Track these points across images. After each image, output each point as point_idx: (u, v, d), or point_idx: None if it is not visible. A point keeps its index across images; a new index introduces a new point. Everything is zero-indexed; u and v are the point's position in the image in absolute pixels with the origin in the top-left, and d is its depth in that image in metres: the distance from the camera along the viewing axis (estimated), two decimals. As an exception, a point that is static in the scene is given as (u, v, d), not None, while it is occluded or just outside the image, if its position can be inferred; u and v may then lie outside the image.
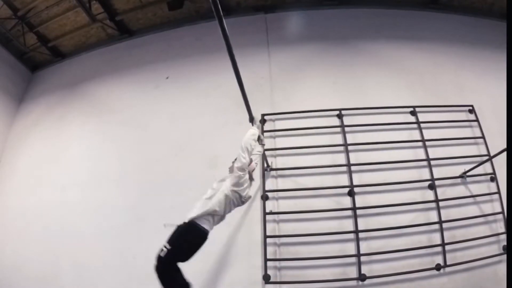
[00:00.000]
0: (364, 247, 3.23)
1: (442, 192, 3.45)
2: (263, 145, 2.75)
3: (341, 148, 3.69)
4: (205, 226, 2.20)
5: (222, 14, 1.35)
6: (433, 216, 3.36)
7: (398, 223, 3.28)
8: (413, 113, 3.85)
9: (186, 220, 2.19)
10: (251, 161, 2.36)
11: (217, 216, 2.27)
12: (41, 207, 4.09)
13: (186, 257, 2.19)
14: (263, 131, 3.73)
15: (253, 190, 3.58)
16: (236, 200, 2.33)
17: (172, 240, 2.16)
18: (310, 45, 4.44)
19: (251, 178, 2.43)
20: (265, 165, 3.59)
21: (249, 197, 2.45)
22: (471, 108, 3.90)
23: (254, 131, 2.41)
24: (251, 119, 2.55)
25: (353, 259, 3.20)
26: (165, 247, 2.12)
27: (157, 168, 3.92)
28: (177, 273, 2.15)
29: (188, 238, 2.19)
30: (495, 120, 3.79)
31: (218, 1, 1.27)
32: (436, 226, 3.30)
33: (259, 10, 4.84)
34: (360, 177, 3.54)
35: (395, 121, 3.81)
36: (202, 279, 3.30)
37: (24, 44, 5.01)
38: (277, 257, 3.28)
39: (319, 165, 3.60)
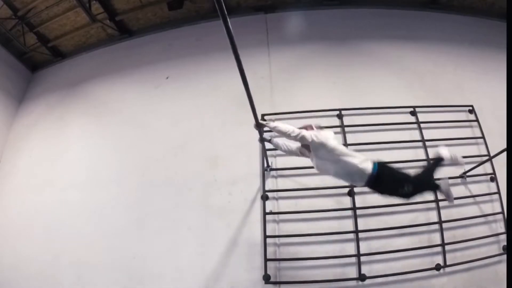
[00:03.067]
0: (364, 247, 3.23)
1: (442, 192, 3.45)
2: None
3: (341, 148, 3.69)
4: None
5: (226, 13, 1.33)
6: (433, 216, 3.36)
7: (398, 223, 3.28)
8: (413, 113, 3.85)
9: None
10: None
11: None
12: (41, 207, 4.08)
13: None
14: (263, 131, 3.72)
15: (253, 190, 3.62)
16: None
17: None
18: (310, 45, 4.44)
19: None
20: (265, 165, 3.59)
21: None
22: (471, 108, 3.90)
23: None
24: (258, 124, 2.44)
25: (353, 259, 3.20)
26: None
27: (157, 168, 3.92)
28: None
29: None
30: (495, 120, 3.79)
31: (222, 1, 1.25)
32: (436, 226, 3.30)
33: (259, 10, 4.84)
34: (360, 177, 3.54)
35: (395, 121, 3.81)
36: (202, 279, 3.31)
37: (24, 44, 5.01)
38: (277, 257, 3.28)
39: (319, 165, 3.60)
